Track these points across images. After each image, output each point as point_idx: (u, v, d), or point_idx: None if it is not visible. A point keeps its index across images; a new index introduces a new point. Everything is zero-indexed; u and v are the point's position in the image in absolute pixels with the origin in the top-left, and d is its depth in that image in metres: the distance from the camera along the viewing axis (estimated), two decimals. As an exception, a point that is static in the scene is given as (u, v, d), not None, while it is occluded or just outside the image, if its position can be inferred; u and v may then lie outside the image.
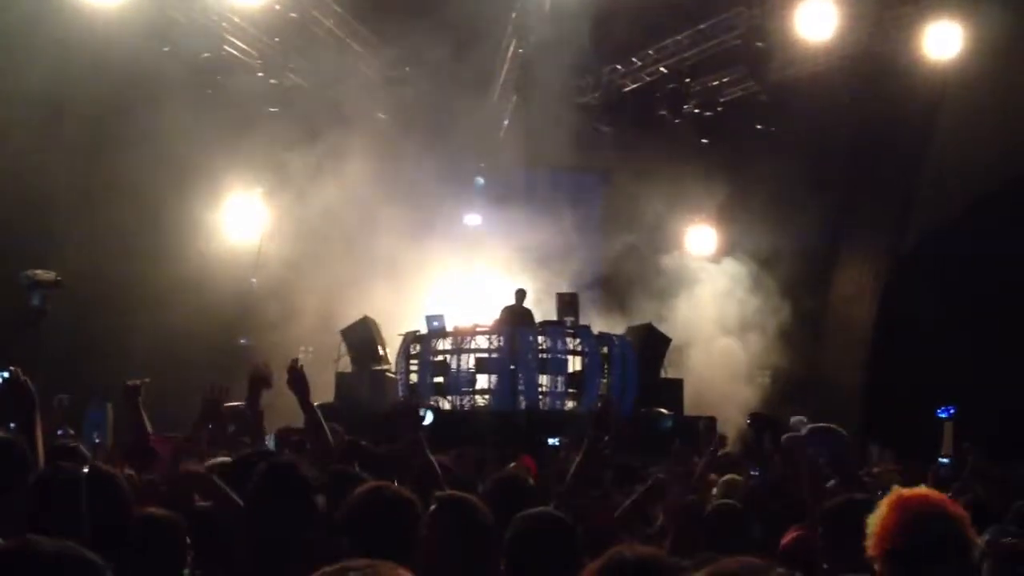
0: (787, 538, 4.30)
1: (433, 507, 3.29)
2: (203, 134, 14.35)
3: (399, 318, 15.77)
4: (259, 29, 15.65)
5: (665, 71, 17.05)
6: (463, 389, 14.32)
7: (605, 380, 14.53)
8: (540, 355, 14.25)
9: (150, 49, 14.19)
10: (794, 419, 13.46)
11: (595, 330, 14.95)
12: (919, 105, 15.33)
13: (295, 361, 4.63)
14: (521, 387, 14.02)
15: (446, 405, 14.18)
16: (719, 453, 6.48)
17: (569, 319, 15.11)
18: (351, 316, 15.54)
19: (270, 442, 7.26)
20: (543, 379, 14.24)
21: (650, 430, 13.45)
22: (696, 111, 17.66)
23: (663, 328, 16.23)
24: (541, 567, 2.96)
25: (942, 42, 14.41)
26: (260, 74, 16.34)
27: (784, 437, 12.37)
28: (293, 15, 15.44)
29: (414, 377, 14.60)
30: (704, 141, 17.90)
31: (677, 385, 15.64)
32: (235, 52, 15.69)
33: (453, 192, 18.44)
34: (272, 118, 16.29)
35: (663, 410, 14.34)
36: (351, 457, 4.67)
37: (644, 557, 2.07)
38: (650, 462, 8.35)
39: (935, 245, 15.04)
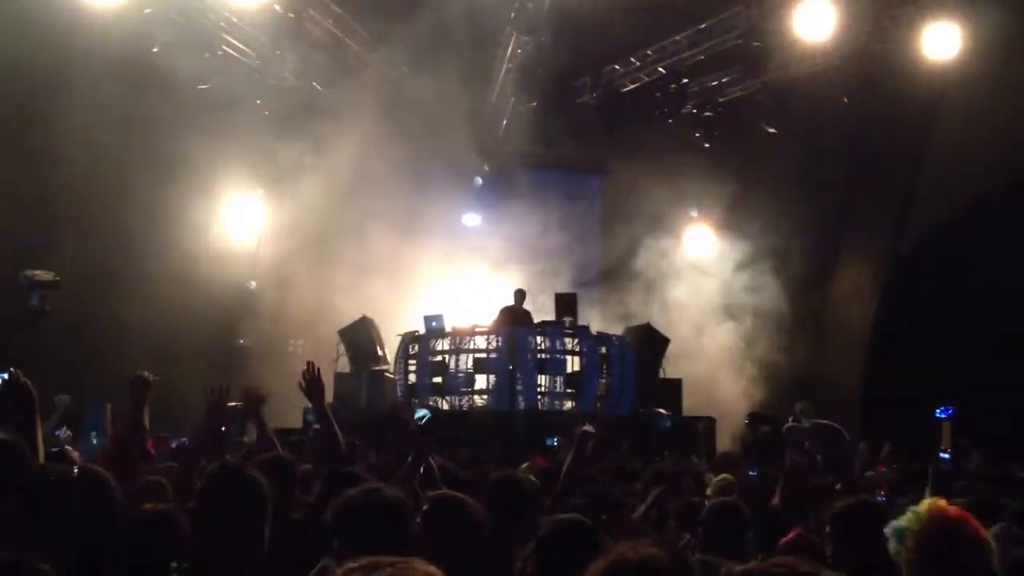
0: (787, 537, 4.30)
1: (425, 507, 3.30)
2: (201, 134, 14.35)
3: (398, 318, 15.78)
4: (257, 29, 15.64)
5: (664, 71, 17.04)
6: (461, 389, 14.31)
7: (604, 380, 14.54)
8: (539, 355, 14.25)
9: (149, 49, 14.18)
10: (799, 405, 13.50)
11: (594, 330, 14.95)
12: (918, 105, 15.32)
13: (312, 365, 4.56)
14: (519, 387, 14.02)
15: (444, 405, 14.18)
16: (722, 452, 6.50)
17: (568, 319, 15.10)
18: (349, 316, 15.53)
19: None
20: (542, 379, 14.23)
21: (649, 430, 13.46)
22: (695, 111, 17.65)
23: (661, 328, 16.23)
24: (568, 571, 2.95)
25: (941, 42, 14.40)
26: (258, 74, 16.32)
27: (786, 427, 12.36)
28: (291, 15, 15.42)
29: (412, 377, 14.59)
30: (703, 141, 17.89)
31: (676, 385, 15.65)
32: (233, 52, 15.68)
33: (452, 192, 18.45)
34: (270, 118, 16.28)
35: (662, 410, 14.35)
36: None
37: (646, 557, 2.05)
38: (650, 462, 8.36)
39: (935, 245, 15.03)
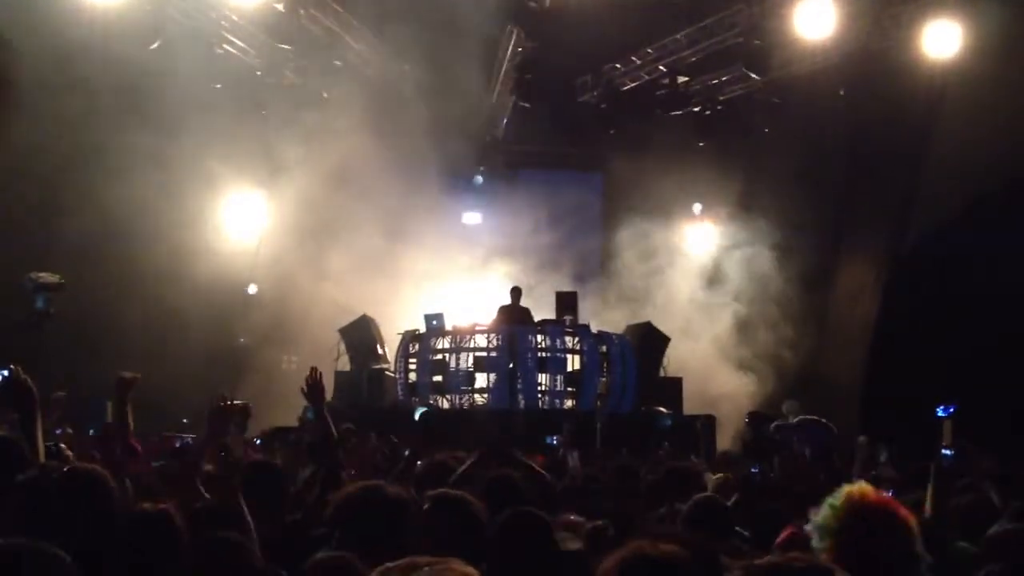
0: (782, 535, 4.29)
1: (427, 505, 3.28)
2: (201, 132, 14.34)
3: (398, 317, 15.77)
4: (257, 27, 15.63)
5: (664, 69, 17.03)
6: (462, 388, 14.32)
7: (604, 379, 14.54)
8: (539, 354, 14.25)
9: (149, 48, 14.16)
10: (787, 404, 13.57)
11: (594, 329, 14.95)
12: (918, 104, 15.30)
13: (315, 370, 4.59)
14: (520, 386, 14.02)
15: (445, 404, 14.18)
16: (722, 450, 6.51)
17: (568, 318, 15.10)
18: (350, 315, 15.53)
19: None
20: (542, 378, 14.25)
21: (649, 429, 13.46)
22: (695, 109, 17.64)
23: (662, 326, 16.22)
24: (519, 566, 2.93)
25: (941, 40, 14.39)
26: (259, 73, 16.32)
27: (773, 425, 12.38)
28: (291, 13, 15.41)
29: (413, 376, 14.60)
30: (703, 140, 17.88)
31: (676, 384, 15.64)
32: (233, 50, 15.67)
33: (452, 191, 18.45)
34: (270, 117, 16.28)
35: (662, 408, 14.34)
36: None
37: (666, 555, 2.01)
38: (650, 460, 8.35)
39: (935, 245, 15.01)
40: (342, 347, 15.63)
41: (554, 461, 7.77)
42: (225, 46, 15.53)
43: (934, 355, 13.64)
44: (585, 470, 6.85)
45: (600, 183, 20.02)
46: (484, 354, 14.28)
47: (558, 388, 14.27)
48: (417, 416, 6.94)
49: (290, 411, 11.46)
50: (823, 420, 11.77)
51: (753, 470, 6.41)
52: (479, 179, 19.18)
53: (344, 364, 15.54)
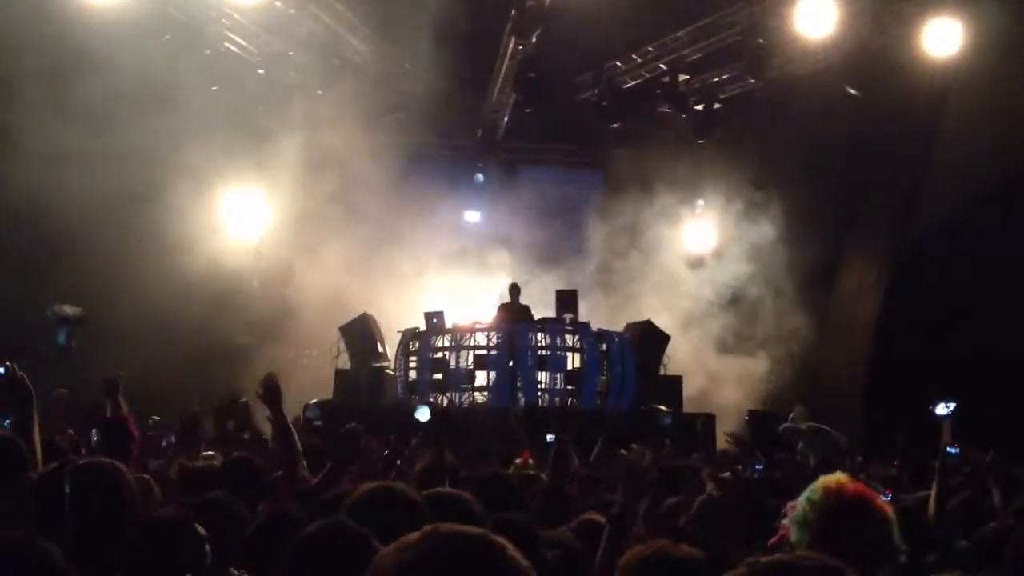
0: (775, 536, 4.28)
1: (426, 505, 3.27)
2: (202, 131, 14.32)
3: (398, 315, 15.76)
4: (258, 26, 15.62)
5: (665, 68, 17.01)
6: (462, 386, 14.32)
7: (604, 377, 14.53)
8: (539, 352, 14.25)
9: (150, 47, 14.15)
10: (795, 410, 13.52)
11: (594, 327, 14.94)
12: (919, 103, 15.29)
13: (271, 375, 4.59)
14: (520, 384, 14.02)
15: (444, 402, 14.18)
16: (721, 449, 6.50)
17: (568, 316, 15.10)
18: (350, 313, 15.52)
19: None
20: (542, 376, 14.25)
21: (649, 427, 13.44)
22: (696, 108, 17.62)
23: (662, 324, 16.21)
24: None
25: (942, 39, 14.37)
26: (260, 71, 16.31)
27: (782, 427, 12.37)
28: (292, 12, 15.40)
29: (413, 374, 14.61)
30: (703, 138, 17.86)
31: (676, 382, 15.63)
32: (234, 49, 15.65)
33: (453, 189, 18.44)
34: (271, 115, 16.26)
35: (662, 407, 14.33)
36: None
37: (687, 557, 2.00)
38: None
39: (936, 245, 15.00)
40: (342, 345, 15.63)
41: (559, 461, 7.73)
42: (226, 44, 15.52)
43: (934, 355, 13.64)
44: (584, 470, 6.83)
45: (600, 181, 20.00)
46: (484, 352, 14.29)
47: (558, 386, 14.28)
48: (425, 417, 6.93)
49: (289, 412, 11.42)
50: (833, 432, 11.74)
51: (757, 467, 6.40)
52: (480, 177, 19.18)
53: (344, 362, 15.54)
